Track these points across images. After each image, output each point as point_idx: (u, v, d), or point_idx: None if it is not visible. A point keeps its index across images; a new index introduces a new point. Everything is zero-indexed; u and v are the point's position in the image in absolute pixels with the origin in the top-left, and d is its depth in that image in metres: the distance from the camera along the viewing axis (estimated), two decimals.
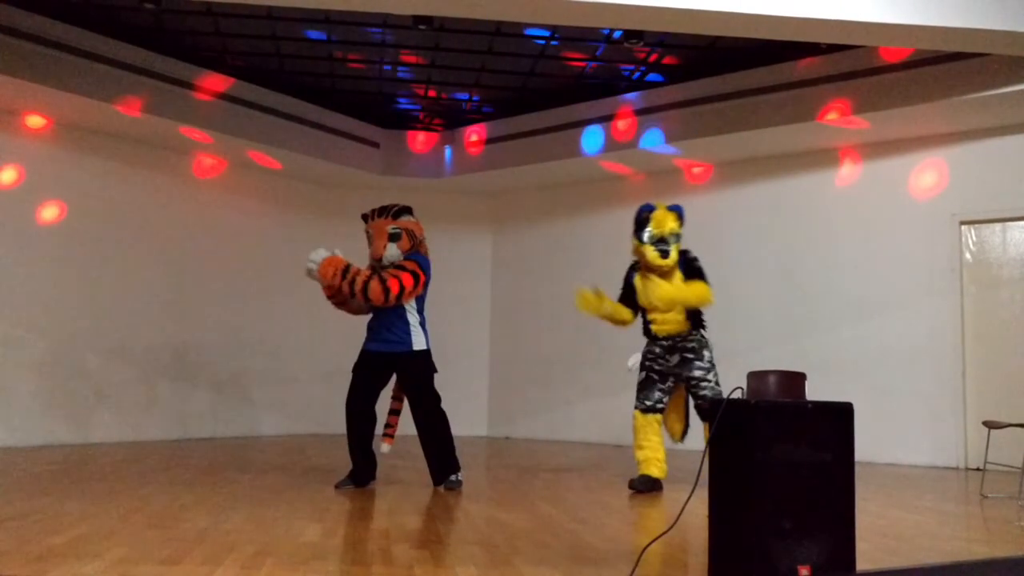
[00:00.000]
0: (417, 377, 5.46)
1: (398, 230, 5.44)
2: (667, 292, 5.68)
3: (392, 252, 5.41)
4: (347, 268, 5.28)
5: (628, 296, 5.89)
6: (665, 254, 5.68)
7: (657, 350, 5.79)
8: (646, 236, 5.72)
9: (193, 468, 6.42)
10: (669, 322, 5.74)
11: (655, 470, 5.64)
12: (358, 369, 5.52)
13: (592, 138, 9.22)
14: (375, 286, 5.23)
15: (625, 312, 5.86)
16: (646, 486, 5.57)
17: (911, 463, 7.69)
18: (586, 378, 9.86)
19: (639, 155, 9.12)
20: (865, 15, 5.63)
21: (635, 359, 5.94)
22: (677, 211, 5.82)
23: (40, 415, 7.96)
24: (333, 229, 10.70)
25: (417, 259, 5.47)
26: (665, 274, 5.74)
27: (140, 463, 6.67)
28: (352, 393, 5.50)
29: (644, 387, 5.79)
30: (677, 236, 5.76)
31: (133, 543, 3.46)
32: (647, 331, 5.87)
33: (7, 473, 5.87)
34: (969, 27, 5.70)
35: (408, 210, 5.59)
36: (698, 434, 5.93)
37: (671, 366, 5.75)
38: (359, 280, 5.24)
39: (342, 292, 5.34)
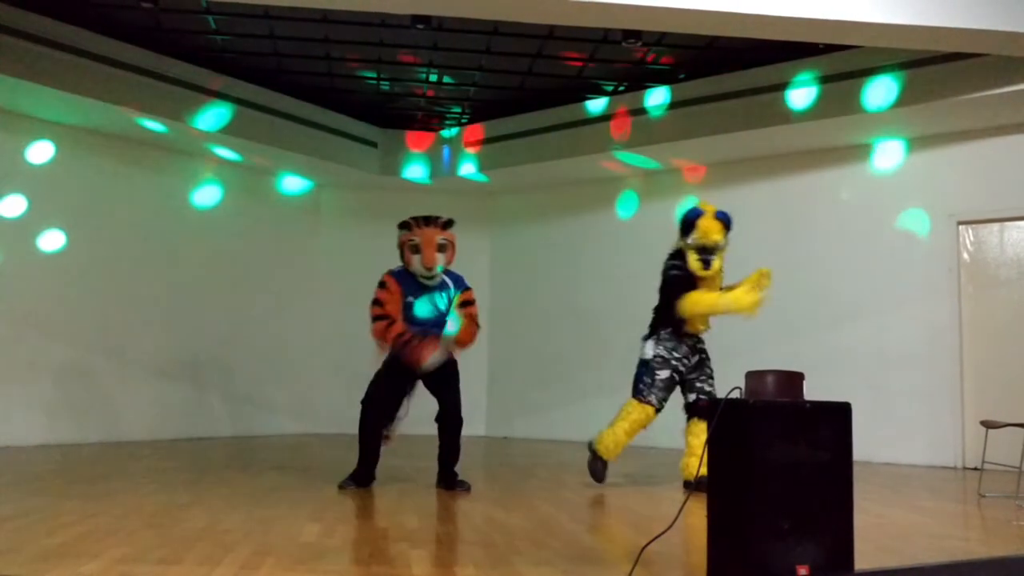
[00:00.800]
0: (448, 381, 5.46)
1: (445, 241, 5.46)
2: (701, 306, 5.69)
3: (441, 264, 5.45)
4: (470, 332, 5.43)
5: (691, 282, 5.72)
6: (707, 264, 5.62)
7: (684, 349, 5.73)
8: (691, 240, 5.68)
9: (192, 468, 6.42)
10: (703, 321, 5.78)
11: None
12: (387, 375, 5.44)
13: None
14: (475, 332, 5.46)
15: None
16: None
17: (909, 463, 7.69)
18: (584, 378, 9.85)
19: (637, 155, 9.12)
20: (864, 16, 5.64)
21: (651, 349, 5.79)
22: (724, 220, 5.73)
23: (39, 414, 7.95)
24: (332, 229, 10.73)
25: (468, 285, 5.59)
26: (704, 282, 5.69)
27: (139, 463, 6.67)
28: (378, 396, 5.41)
29: (666, 387, 5.69)
30: (721, 247, 5.71)
31: (132, 543, 3.46)
32: (677, 325, 5.72)
33: (6, 472, 5.87)
34: (967, 27, 5.71)
35: (453, 223, 5.62)
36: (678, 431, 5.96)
37: (691, 366, 5.78)
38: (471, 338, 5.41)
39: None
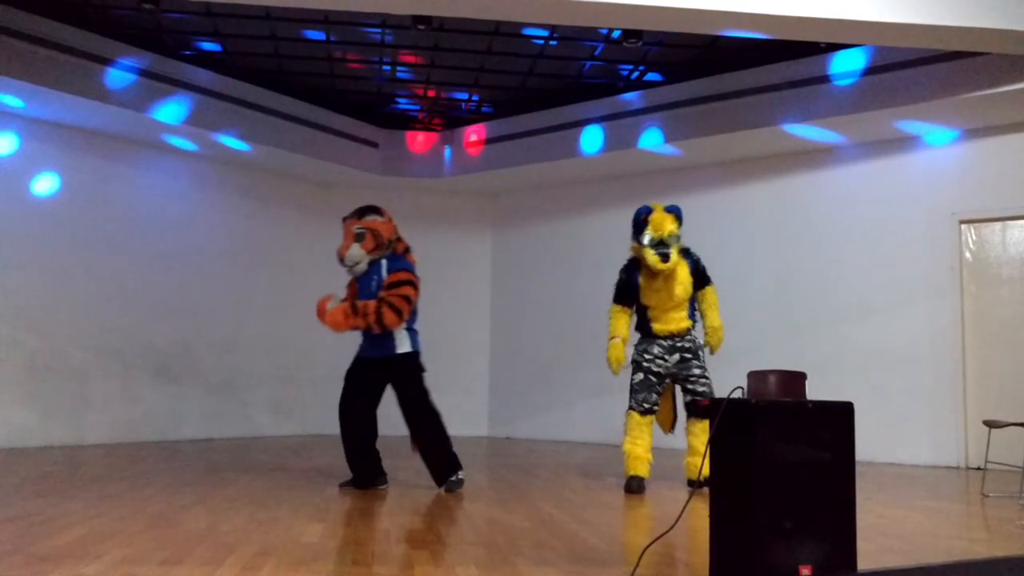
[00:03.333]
0: (403, 379, 5.45)
1: (362, 230, 5.46)
2: (720, 329, 5.88)
3: (355, 252, 5.44)
4: (353, 307, 5.34)
5: (630, 293, 5.88)
6: (666, 257, 5.66)
7: (656, 350, 5.75)
8: (646, 239, 5.71)
9: (193, 469, 6.42)
10: (672, 320, 5.76)
11: (643, 470, 5.66)
12: (349, 375, 5.57)
13: (591, 138, 9.22)
14: (389, 315, 5.28)
15: (625, 325, 5.92)
16: (641, 487, 5.57)
17: (912, 462, 7.68)
18: (586, 378, 9.84)
19: (638, 155, 9.11)
20: (865, 14, 5.63)
21: (628, 355, 5.88)
22: (675, 212, 5.81)
23: (39, 416, 7.95)
24: (332, 230, 10.72)
25: (406, 266, 5.49)
26: (668, 276, 5.75)
27: (140, 464, 6.67)
28: (344, 400, 5.52)
29: (643, 388, 5.74)
30: (676, 237, 5.76)
31: (134, 544, 3.46)
32: (646, 328, 5.85)
33: (6, 475, 5.87)
34: (969, 26, 5.70)
35: (375, 210, 5.59)
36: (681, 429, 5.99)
37: (669, 366, 5.74)
38: (372, 314, 5.29)
39: (362, 327, 5.40)
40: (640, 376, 5.77)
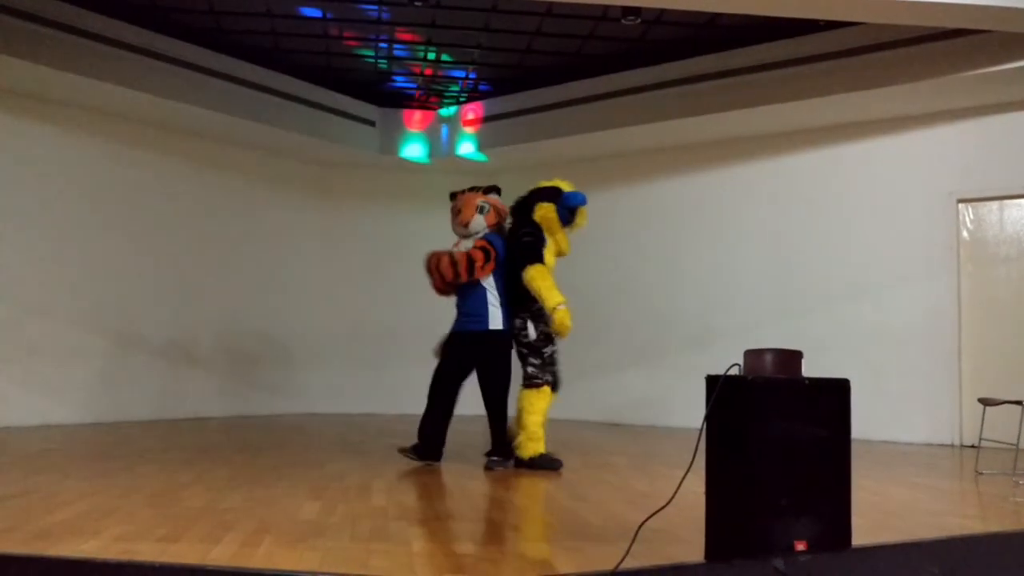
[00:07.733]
0: (490, 355, 5.56)
1: (486, 204, 5.79)
2: None
3: (478, 222, 5.73)
4: (433, 254, 5.65)
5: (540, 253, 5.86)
6: None
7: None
8: (573, 225, 5.95)
9: (191, 447, 6.43)
10: None
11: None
12: (444, 350, 5.68)
13: (589, 117, 9.16)
14: (445, 261, 5.52)
15: None
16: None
17: (907, 440, 7.72)
18: (583, 357, 9.83)
19: (637, 133, 9.07)
20: None
21: (533, 330, 5.60)
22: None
23: (38, 395, 7.95)
24: (330, 208, 10.71)
25: (489, 238, 5.67)
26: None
27: (138, 443, 6.68)
28: (436, 372, 5.64)
29: (554, 363, 5.72)
30: None
31: (132, 520, 3.48)
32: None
33: (6, 453, 5.88)
34: (969, 3, 5.67)
35: (496, 189, 5.94)
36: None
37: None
38: (434, 260, 5.59)
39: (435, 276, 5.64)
40: (551, 348, 5.66)
